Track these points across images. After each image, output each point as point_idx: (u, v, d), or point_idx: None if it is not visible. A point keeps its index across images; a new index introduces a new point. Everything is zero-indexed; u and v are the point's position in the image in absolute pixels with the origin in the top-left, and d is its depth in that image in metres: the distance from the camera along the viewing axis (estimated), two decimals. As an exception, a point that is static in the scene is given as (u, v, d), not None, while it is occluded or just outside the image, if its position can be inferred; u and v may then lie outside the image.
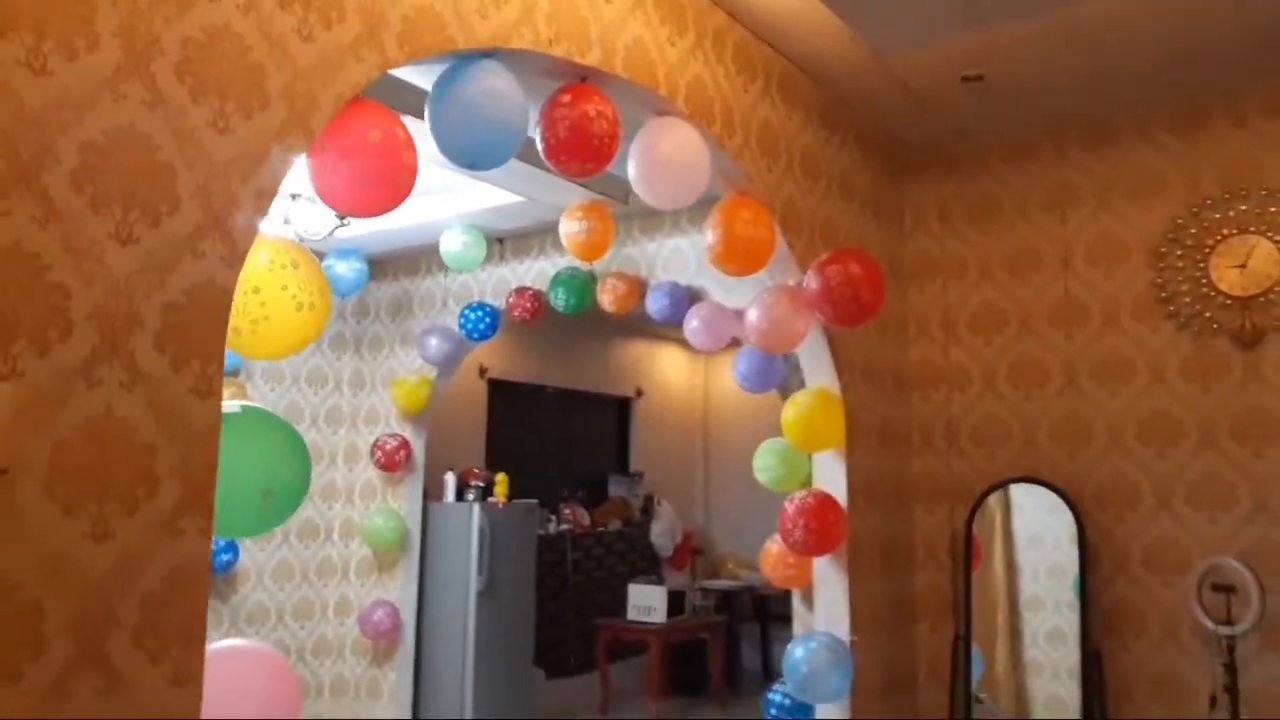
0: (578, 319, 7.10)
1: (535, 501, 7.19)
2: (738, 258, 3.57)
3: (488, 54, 2.61)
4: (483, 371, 7.87)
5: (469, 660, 6.42)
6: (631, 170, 3.17)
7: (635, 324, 8.52)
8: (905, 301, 4.66)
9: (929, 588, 4.48)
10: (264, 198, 2.01)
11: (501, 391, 8.10)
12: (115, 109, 1.77)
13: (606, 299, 5.47)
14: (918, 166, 4.72)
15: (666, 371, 10.12)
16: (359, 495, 6.72)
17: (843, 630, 3.93)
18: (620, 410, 9.64)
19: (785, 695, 4.18)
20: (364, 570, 6.65)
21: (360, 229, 5.62)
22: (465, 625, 6.46)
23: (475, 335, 6.04)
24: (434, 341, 6.23)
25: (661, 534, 9.22)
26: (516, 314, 5.90)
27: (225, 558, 5.92)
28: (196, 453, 1.85)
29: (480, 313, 6.02)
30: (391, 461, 6.40)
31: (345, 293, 5.70)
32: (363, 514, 6.58)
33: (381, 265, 6.74)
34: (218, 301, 1.91)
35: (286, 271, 2.01)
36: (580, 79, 2.93)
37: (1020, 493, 4.19)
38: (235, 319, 2.02)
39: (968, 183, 4.59)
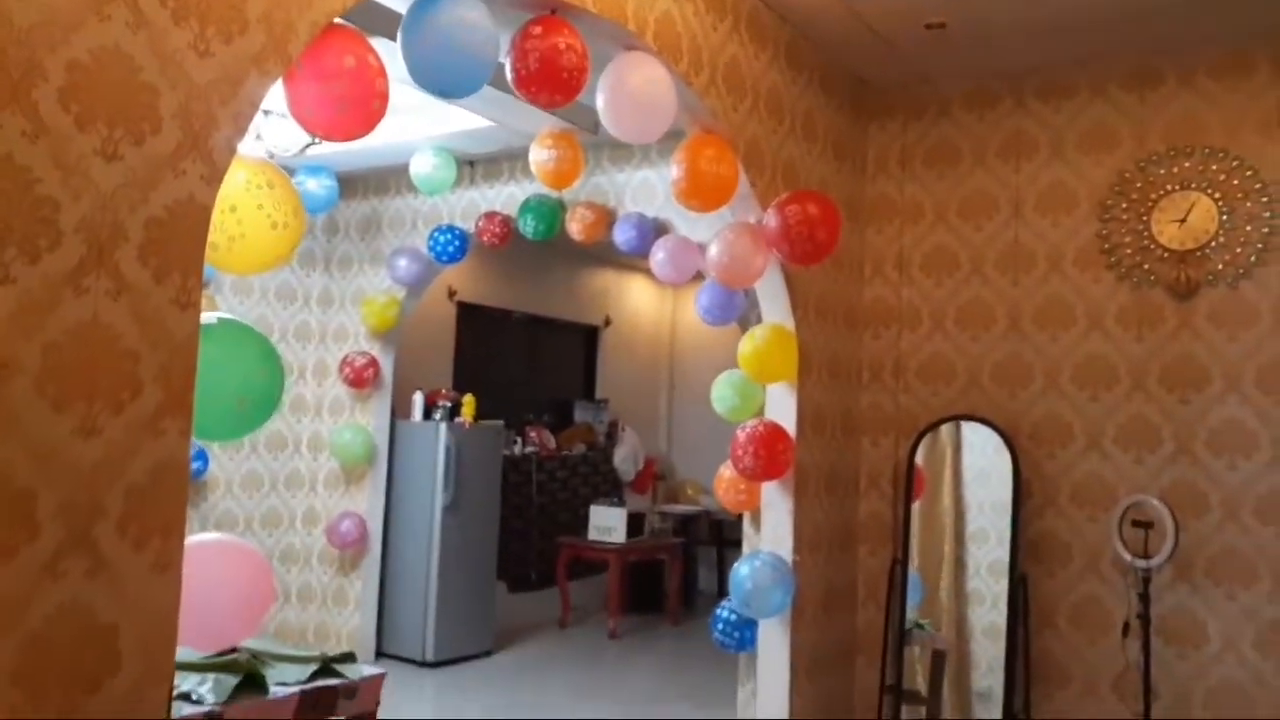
0: (548, 246, 7.20)
1: (501, 423, 7.36)
2: (701, 194, 3.69)
3: (458, -17, 2.68)
4: (452, 294, 7.97)
5: (433, 572, 6.65)
6: (599, 103, 3.27)
7: (604, 253, 8.62)
8: (863, 242, 4.82)
9: (871, 515, 4.72)
10: (242, 119, 2.10)
11: (470, 314, 8.22)
12: (100, 29, 1.86)
13: (575, 228, 5.58)
14: (881, 111, 4.84)
15: (635, 302, 10.26)
16: (328, 410, 6.86)
17: (786, 551, 4.16)
18: (588, 338, 9.80)
19: (732, 611, 4.43)
20: (332, 483, 6.82)
21: (331, 147, 5.66)
22: (430, 539, 6.68)
23: (444, 258, 6.14)
24: (403, 263, 6.32)
25: (624, 459, 9.47)
26: (486, 238, 5.99)
27: (195, 465, 6.06)
28: (177, 360, 1.98)
29: (449, 235, 6.11)
30: (360, 378, 6.54)
31: (316, 210, 5.76)
32: (331, 429, 6.73)
33: (352, 183, 6.77)
34: (197, 218, 2.02)
35: (262, 191, 2.12)
36: (550, 11, 3.01)
37: (970, 431, 4.40)
38: (213, 235, 2.14)
39: (929, 128, 4.71)
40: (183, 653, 3.08)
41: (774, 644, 4.17)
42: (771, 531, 4.24)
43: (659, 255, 5.18)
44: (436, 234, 6.14)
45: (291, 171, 5.95)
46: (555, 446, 8.87)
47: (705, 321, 5.03)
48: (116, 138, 1.88)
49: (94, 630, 1.84)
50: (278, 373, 2.16)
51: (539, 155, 4.66)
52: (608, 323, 9.84)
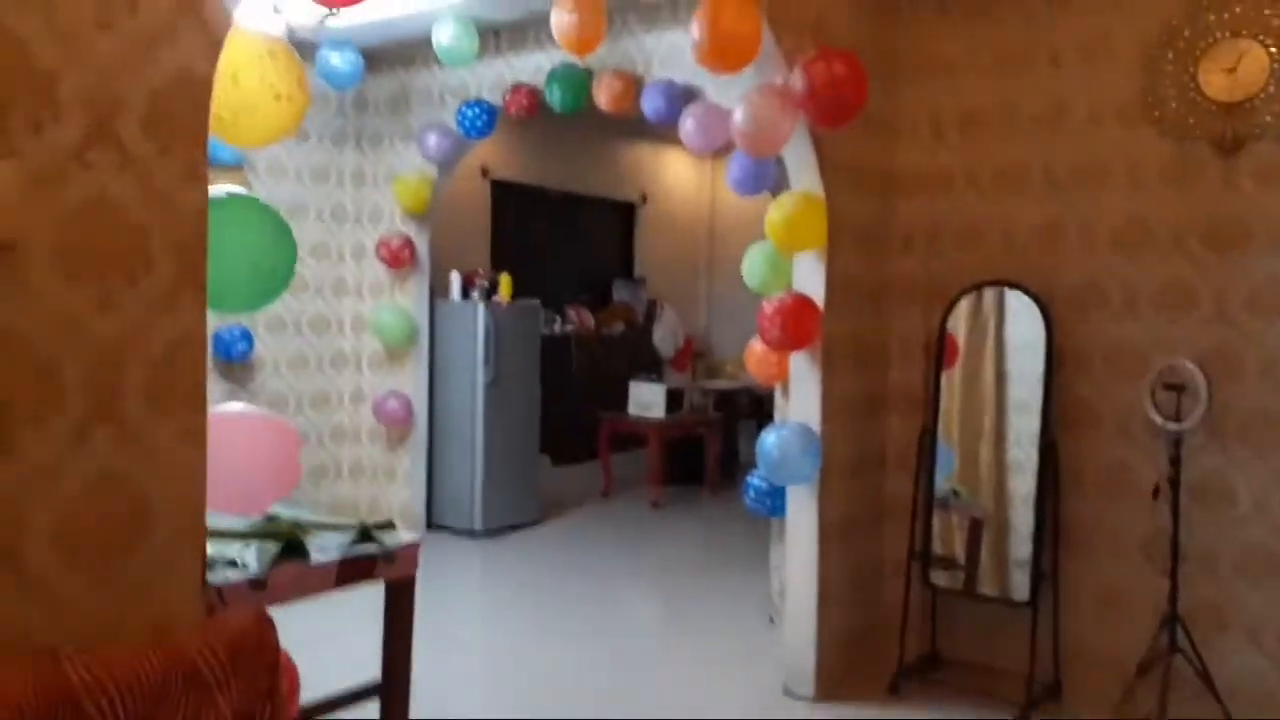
0: (581, 119, 7.07)
1: (538, 301, 7.41)
2: (723, 54, 3.58)
3: None
4: (485, 172, 7.92)
5: (478, 446, 6.84)
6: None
7: (639, 126, 8.45)
8: (896, 102, 4.65)
9: (901, 385, 4.71)
10: (235, -12, 2.07)
11: (504, 192, 8.18)
12: (85, -105, 1.82)
13: (603, 97, 5.46)
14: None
15: (672, 177, 10.11)
16: (368, 290, 6.95)
17: (815, 420, 4.20)
18: (625, 215, 9.72)
19: (762, 479, 4.51)
20: (376, 363, 6.97)
21: (352, 19, 5.57)
22: (474, 415, 6.84)
23: (473, 133, 6.08)
24: (433, 139, 6.27)
25: (664, 337, 9.52)
26: (513, 111, 5.90)
27: (241, 347, 6.22)
28: (188, 233, 2.01)
29: (477, 110, 6.03)
30: (397, 259, 6.59)
31: (342, 85, 5.70)
32: (372, 309, 6.83)
33: (377, 57, 6.66)
34: (198, 90, 2.02)
35: (264, 61, 2.10)
36: None
37: (1014, 299, 4.30)
38: (217, 108, 2.13)
39: (967, -25, 4.48)
40: (227, 521, 3.23)
41: (802, 510, 4.25)
42: (800, 401, 4.26)
43: (688, 124, 5.06)
44: (464, 108, 6.06)
45: (315, 47, 5.88)
46: (594, 325, 8.93)
47: (736, 192, 4.97)
48: (112, 5, 1.87)
49: (125, 496, 1.94)
50: (289, 245, 2.19)
51: (559, 18, 4.52)
52: (644, 199, 9.74)
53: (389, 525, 3.44)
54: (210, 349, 6.20)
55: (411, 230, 6.71)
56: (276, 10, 4.24)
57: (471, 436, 6.85)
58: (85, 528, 1.87)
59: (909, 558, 4.47)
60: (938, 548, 4.46)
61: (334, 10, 4.35)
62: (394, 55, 6.63)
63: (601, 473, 8.30)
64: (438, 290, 7.02)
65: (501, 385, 6.91)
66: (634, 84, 5.46)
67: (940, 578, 4.45)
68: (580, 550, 6.71)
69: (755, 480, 4.63)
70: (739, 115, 3.84)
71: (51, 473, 1.82)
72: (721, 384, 9.41)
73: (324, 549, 3.18)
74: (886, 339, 4.72)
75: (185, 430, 2.02)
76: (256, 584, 2.92)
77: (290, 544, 3.10)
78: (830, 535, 4.27)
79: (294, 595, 3.02)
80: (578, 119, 7.00)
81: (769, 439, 4.16)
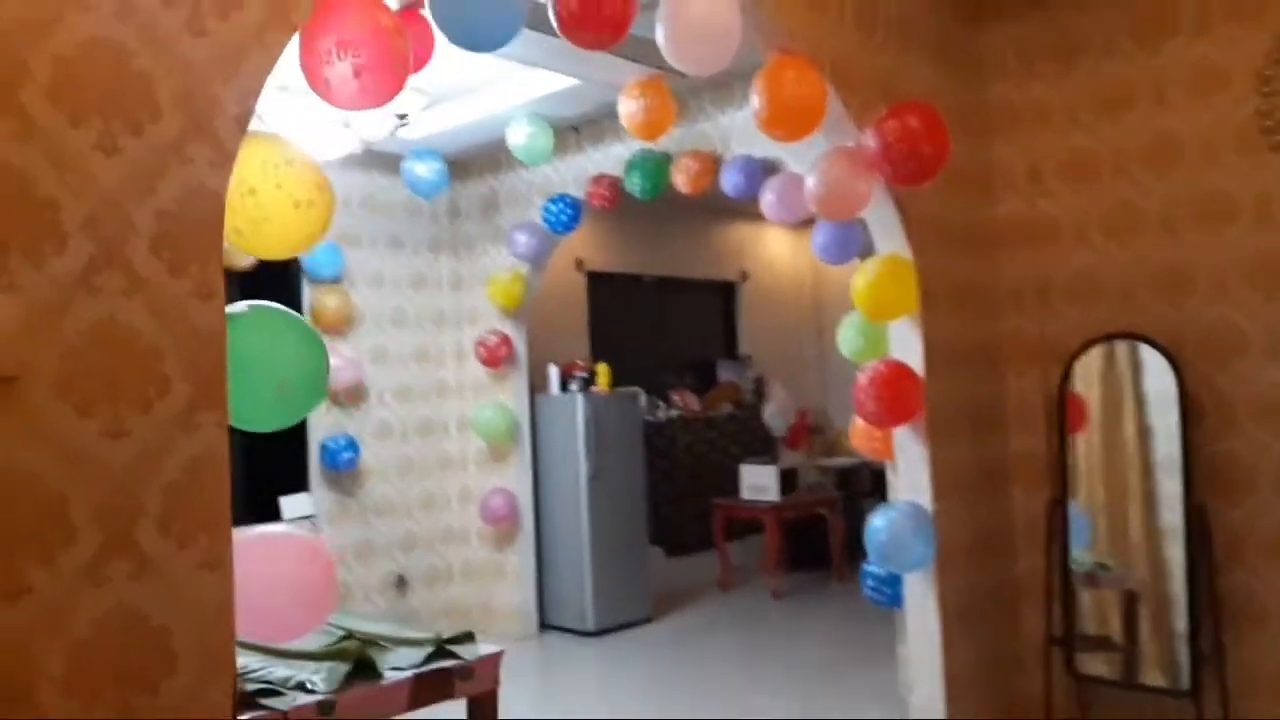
0: (674, 206, 7.03)
1: (638, 389, 7.28)
2: (785, 121, 3.42)
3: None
4: (580, 264, 7.92)
5: (585, 542, 6.66)
6: (659, 35, 3.05)
7: (734, 206, 8.36)
8: (988, 155, 4.38)
9: (1024, 452, 4.32)
10: (249, 97, 2.03)
11: (600, 283, 8.16)
12: (85, 21, 1.81)
13: (680, 179, 5.37)
14: (993, 6, 4.37)
15: (771, 251, 9.94)
16: (470, 391, 6.96)
17: (926, 498, 3.86)
18: (725, 294, 9.57)
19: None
20: (481, 462, 6.93)
21: (431, 128, 5.68)
22: (578, 509, 6.69)
23: (559, 228, 6.07)
24: (522, 238, 6.30)
25: (774, 415, 9.21)
26: (596, 203, 5.87)
27: (347, 455, 6.27)
28: (204, 352, 1.94)
29: (561, 204, 6.03)
30: (494, 357, 6.58)
31: (427, 194, 5.79)
32: (474, 409, 6.82)
33: (466, 165, 6.81)
34: (210, 205, 1.97)
35: (280, 170, 2.05)
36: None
37: (1149, 353, 3.92)
38: (236, 220, 2.09)
39: (1049, 20, 4.21)
40: (299, 641, 3.12)
41: (920, 598, 3.89)
42: (907, 478, 3.94)
43: (768, 197, 4.93)
44: (549, 204, 6.08)
45: (400, 158, 6.02)
46: (700, 408, 8.73)
47: (823, 260, 4.75)
48: (114, 130, 1.84)
49: (145, 632, 1.83)
50: (316, 356, 2.09)
51: (627, 107, 4.48)
52: (744, 277, 9.58)
53: (468, 637, 3.28)
54: (317, 458, 6.28)
55: (507, 327, 6.71)
56: (347, 125, 4.32)
57: (578, 532, 6.69)
58: (102, 668, 1.77)
59: (1046, 642, 4.02)
60: (1089, 627, 4.01)
61: (406, 119, 4.43)
62: (482, 162, 6.74)
63: (718, 562, 7.98)
64: (537, 384, 6.98)
65: (604, 477, 6.75)
66: (712, 163, 5.36)
67: (1093, 663, 3.98)
68: (698, 648, 6.39)
69: (872, 568, 4.28)
70: (810, 182, 3.65)
71: (62, 611, 1.73)
72: (841, 460, 9.01)
73: (397, 667, 3.05)
74: (1002, 404, 4.36)
75: (207, 558, 1.92)
76: (325, 707, 2.80)
77: (361, 663, 2.98)
78: (954, 623, 3.88)
79: (365, 717, 2.88)
80: (670, 205, 6.95)
81: (877, 522, 3.85)
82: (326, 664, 2.92)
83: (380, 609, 6.54)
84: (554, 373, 6.92)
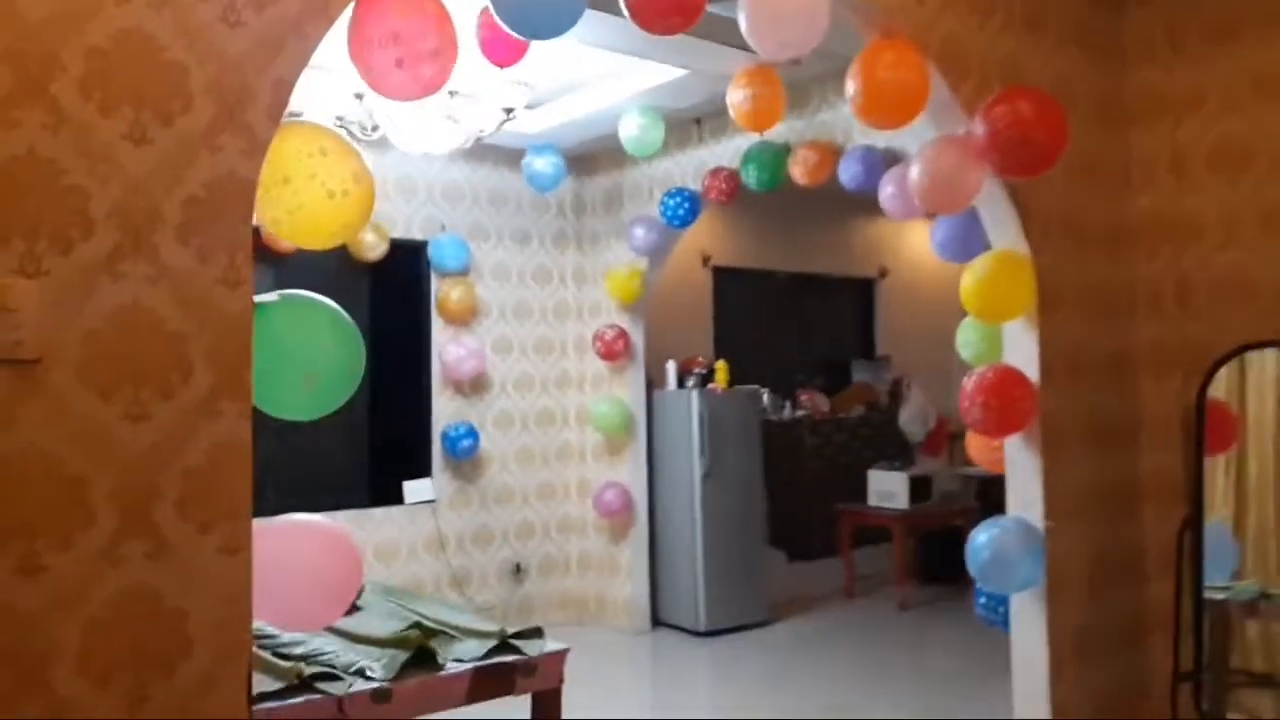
0: (810, 199, 6.80)
1: (757, 388, 7.10)
2: (883, 108, 3.20)
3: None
4: (706, 260, 7.80)
5: (698, 540, 6.55)
6: (740, 19, 2.91)
7: (874, 199, 8.06)
8: (1127, 144, 4.00)
9: (1159, 469, 3.92)
10: (283, 87, 2.03)
11: (728, 279, 8.01)
12: (119, 13, 1.85)
13: (797, 171, 5.18)
14: (1138, -21, 3.98)
15: (914, 247, 9.51)
16: (590, 384, 6.97)
17: (1037, 515, 3.56)
18: (862, 292, 9.24)
19: (988, 584, 3.88)
20: (598, 454, 6.94)
21: (550, 122, 5.69)
22: (692, 507, 6.59)
23: (675, 221, 5.97)
24: (640, 232, 6.24)
25: (911, 419, 8.82)
26: (713, 196, 5.74)
27: (466, 443, 6.40)
28: (229, 339, 1.95)
29: (679, 198, 5.93)
30: (611, 351, 6.56)
31: (545, 188, 5.81)
32: (592, 402, 6.83)
33: (591, 159, 6.81)
34: (240, 193, 1.98)
35: (314, 160, 2.04)
36: (661, -75, 2.70)
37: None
38: (273, 210, 2.10)
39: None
40: (360, 626, 3.16)
41: (1027, 623, 3.59)
42: (1019, 494, 3.65)
43: (888, 189, 4.68)
44: (666, 198, 5.99)
45: (520, 153, 6.07)
46: (830, 409, 8.45)
47: (943, 258, 4.47)
48: (144, 120, 1.87)
49: (161, 614, 1.86)
50: (348, 347, 2.08)
51: (734, 97, 4.33)
52: (883, 274, 9.21)
53: (535, 633, 3.24)
54: (439, 445, 6.42)
55: (626, 322, 6.67)
56: (454, 120, 4.36)
57: (691, 530, 6.59)
58: (117, 649, 1.81)
59: (1173, 679, 3.64)
60: (1256, 663, 3.62)
61: (513, 113, 4.44)
62: (606, 156, 6.72)
63: (844, 569, 7.71)
64: (655, 380, 6.92)
65: (719, 475, 6.62)
66: (831, 154, 5.14)
67: (1258, 701, 3.58)
68: (815, 654, 6.17)
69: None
70: (914, 172, 3.42)
71: (78, 591, 1.77)
72: (983, 470, 8.51)
73: (459, 658, 3.04)
74: (1135, 416, 3.97)
75: (227, 544, 1.93)
76: (380, 695, 2.82)
77: (423, 651, 2.98)
78: (1066, 654, 3.57)
79: (422, 708, 2.88)
80: (805, 199, 6.73)
81: (979, 538, 3.57)
82: (389, 651, 2.95)
83: (497, 595, 6.64)
84: (671, 368, 6.84)
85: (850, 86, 3.20)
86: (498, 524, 6.71)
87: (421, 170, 6.41)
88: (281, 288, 6.06)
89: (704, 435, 6.56)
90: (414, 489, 6.38)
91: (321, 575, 1.99)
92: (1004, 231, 3.62)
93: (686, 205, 5.92)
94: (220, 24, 1.96)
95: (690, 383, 6.74)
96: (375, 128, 4.39)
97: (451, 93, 4.23)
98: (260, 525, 1.99)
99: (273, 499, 5.90)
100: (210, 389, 1.93)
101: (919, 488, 7.50)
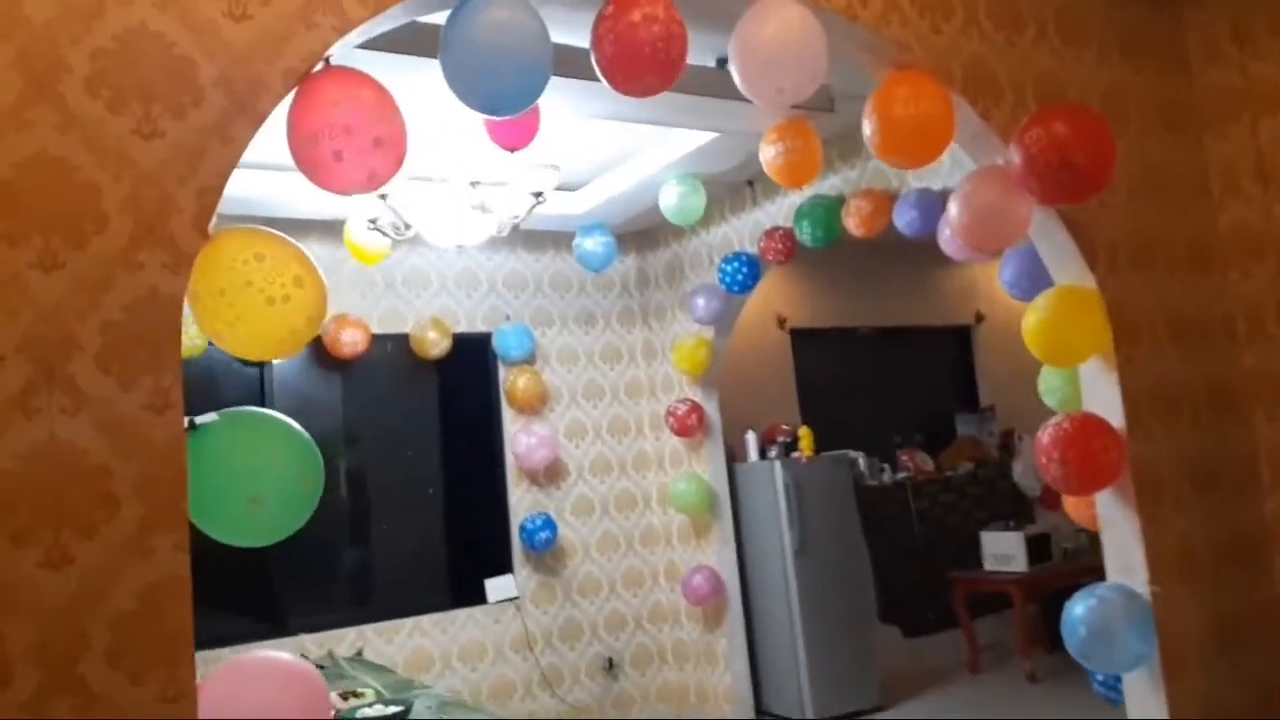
0: (889, 249, 6.47)
1: (847, 452, 6.72)
2: (903, 146, 2.94)
3: (499, -17, 2.34)
4: (782, 322, 7.51)
5: (796, 621, 6.15)
6: (732, 68, 2.72)
7: (955, 243, 7.66)
8: (1201, 154, 3.60)
9: (1287, 516, 3.43)
10: (209, 194, 1.93)
11: (807, 340, 7.68)
12: (20, 140, 1.78)
13: (852, 223, 4.90)
14: (1193, -22, 3.63)
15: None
16: (669, 463, 6.73)
17: (1140, 580, 3.13)
18: (958, 340, 8.74)
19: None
20: (685, 536, 6.65)
21: (592, 201, 5.59)
22: (787, 585, 6.20)
23: (736, 288, 5.74)
24: (701, 301, 6.04)
25: (1026, 472, 8.19)
26: (771, 257, 5.50)
27: (544, 535, 6.20)
28: (159, 468, 1.82)
29: (736, 263, 5.71)
30: (685, 426, 6.31)
31: (598, 267, 5.68)
32: (671, 481, 6.57)
33: (651, 234, 6.70)
34: (165, 312, 1.87)
35: (250, 266, 1.92)
36: (633, -17, 2.54)
37: None
38: (213, 323, 1.98)
39: (1269, -17, 3.44)
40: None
41: (1144, 706, 3.12)
42: (1117, 556, 3.23)
43: (945, 232, 4.38)
44: (723, 264, 5.78)
45: (570, 234, 5.98)
46: (934, 468, 7.95)
47: (1015, 297, 4.12)
48: (54, 246, 1.78)
49: (93, 776, 1.70)
50: (299, 465, 1.92)
51: (767, 154, 4.12)
52: (980, 319, 8.72)
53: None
54: (517, 538, 6.25)
55: (698, 394, 6.43)
56: (485, 209, 4.28)
57: (787, 610, 6.19)
58: (45, 820, 1.65)
59: (1335, 770, 3.10)
60: None
61: (543, 197, 4.34)
62: (666, 229, 6.56)
63: (965, 642, 7.13)
64: (736, 453, 6.62)
65: (813, 549, 6.22)
66: (886, 202, 4.85)
67: None
68: (930, 741, 5.66)
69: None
70: (953, 209, 3.13)
71: (-4, 758, 1.63)
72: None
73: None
74: (1248, 456, 3.50)
75: (165, 692, 1.77)
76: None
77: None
78: (1195, 740, 3.08)
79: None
80: (884, 248, 6.40)
81: (1075, 610, 3.16)
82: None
83: (591, 693, 6.36)
84: (752, 439, 6.53)
85: (866, 127, 2.95)
86: (585, 617, 6.46)
87: (482, 263, 6.38)
88: (350, 393, 6.00)
89: (792, 507, 6.20)
90: (496, 586, 6.20)
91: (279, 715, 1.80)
92: (1065, 264, 3.27)
93: (745, 270, 5.69)
94: (134, 137, 1.87)
95: (773, 453, 6.42)
96: (408, 226, 4.34)
97: (473, 182, 4.16)
98: (209, 667, 1.82)
99: (345, 610, 5.85)
100: (140, 523, 1.79)
101: (1038, 547, 6.92)
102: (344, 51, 2.15)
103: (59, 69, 1.82)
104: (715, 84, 3.82)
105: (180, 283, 1.88)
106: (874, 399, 8.14)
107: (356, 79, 2.10)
